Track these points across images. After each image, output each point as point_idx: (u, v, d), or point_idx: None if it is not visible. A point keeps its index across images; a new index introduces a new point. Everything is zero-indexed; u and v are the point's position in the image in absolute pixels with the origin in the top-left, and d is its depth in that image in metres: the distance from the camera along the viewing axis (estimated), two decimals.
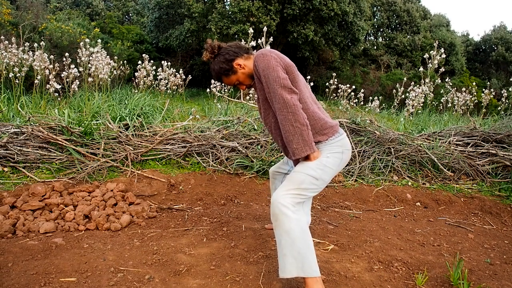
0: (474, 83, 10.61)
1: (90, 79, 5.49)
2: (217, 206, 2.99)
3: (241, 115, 4.56)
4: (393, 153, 3.93)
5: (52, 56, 5.38)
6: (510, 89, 7.43)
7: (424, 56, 6.70)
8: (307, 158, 1.73)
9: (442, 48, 6.63)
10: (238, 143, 3.80)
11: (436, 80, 6.79)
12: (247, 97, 6.57)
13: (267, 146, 3.79)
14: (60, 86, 5.14)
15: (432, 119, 6.71)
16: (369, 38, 20.98)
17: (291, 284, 1.79)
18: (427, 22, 20.45)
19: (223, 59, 1.83)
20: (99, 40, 6.12)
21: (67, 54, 5.67)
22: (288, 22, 13.24)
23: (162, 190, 3.11)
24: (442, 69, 7.00)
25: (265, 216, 2.73)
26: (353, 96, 7.90)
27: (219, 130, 4.15)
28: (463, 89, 7.91)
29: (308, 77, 7.13)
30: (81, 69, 5.54)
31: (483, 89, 7.85)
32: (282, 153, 3.77)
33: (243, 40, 5.14)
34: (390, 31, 20.20)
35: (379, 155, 3.91)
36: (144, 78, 7.15)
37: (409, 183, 3.59)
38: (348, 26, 14.24)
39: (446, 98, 7.68)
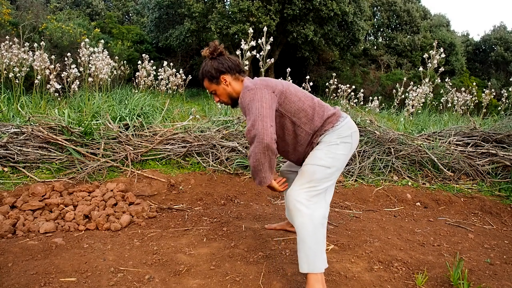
0: (474, 83, 10.61)
1: (90, 79, 5.49)
2: (217, 206, 2.99)
3: (241, 115, 4.56)
4: (393, 153, 3.93)
5: (53, 56, 5.39)
6: (510, 89, 7.42)
7: (424, 56, 6.70)
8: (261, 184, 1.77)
9: (442, 48, 6.62)
10: (238, 143, 3.80)
11: (436, 80, 6.79)
12: None
13: None
14: (60, 86, 5.14)
15: (432, 119, 6.71)
16: (369, 38, 20.99)
17: (291, 284, 1.79)
18: (427, 22, 20.46)
19: (216, 66, 1.85)
20: (102, 41, 6.13)
21: (69, 54, 5.67)
22: (288, 22, 13.25)
23: (162, 190, 3.11)
24: (442, 69, 6.99)
25: (265, 216, 2.73)
26: (353, 96, 7.90)
27: (219, 130, 4.15)
28: (463, 89, 7.91)
29: (308, 77, 7.13)
30: (81, 69, 5.54)
31: (483, 89, 7.85)
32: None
33: (243, 40, 5.14)
34: (390, 31, 20.21)
35: (379, 155, 3.91)
36: (145, 78, 7.15)
37: (409, 183, 3.59)
38: (348, 26, 14.25)
39: (446, 98, 7.68)
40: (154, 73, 7.29)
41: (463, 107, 7.56)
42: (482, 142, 4.17)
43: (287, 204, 1.73)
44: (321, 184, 1.72)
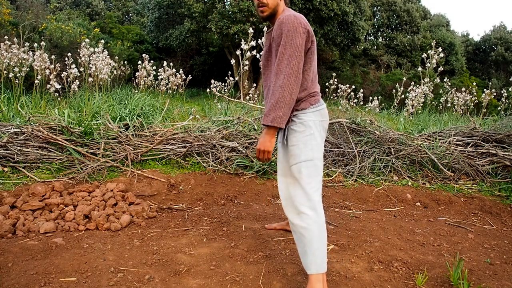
0: (474, 83, 10.61)
1: (90, 79, 5.49)
2: (217, 206, 2.99)
3: (241, 115, 4.55)
4: (393, 153, 3.93)
5: (53, 56, 5.39)
6: (510, 89, 7.43)
7: (423, 56, 6.70)
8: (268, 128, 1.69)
9: (441, 48, 6.63)
10: (238, 143, 3.80)
11: (435, 80, 6.79)
12: (247, 97, 6.56)
13: None
14: (60, 86, 5.14)
15: (432, 119, 6.71)
16: (369, 38, 20.99)
17: (291, 284, 1.79)
18: (427, 22, 20.47)
19: None
20: (102, 41, 6.13)
21: (69, 54, 5.68)
22: None
23: (162, 190, 3.11)
24: (441, 69, 7.01)
25: (265, 216, 2.73)
26: (353, 96, 7.91)
27: (219, 130, 4.15)
28: (463, 89, 7.91)
29: None
30: (81, 69, 5.54)
31: (483, 89, 7.85)
32: None
33: (243, 40, 5.14)
34: (390, 31, 20.21)
35: (379, 155, 3.91)
36: (145, 78, 7.15)
37: (409, 183, 3.59)
38: (348, 26, 14.24)
39: (446, 98, 7.69)
40: (154, 73, 7.29)
41: (463, 107, 7.57)
42: (482, 142, 4.17)
43: (292, 209, 1.70)
44: (313, 180, 1.70)
